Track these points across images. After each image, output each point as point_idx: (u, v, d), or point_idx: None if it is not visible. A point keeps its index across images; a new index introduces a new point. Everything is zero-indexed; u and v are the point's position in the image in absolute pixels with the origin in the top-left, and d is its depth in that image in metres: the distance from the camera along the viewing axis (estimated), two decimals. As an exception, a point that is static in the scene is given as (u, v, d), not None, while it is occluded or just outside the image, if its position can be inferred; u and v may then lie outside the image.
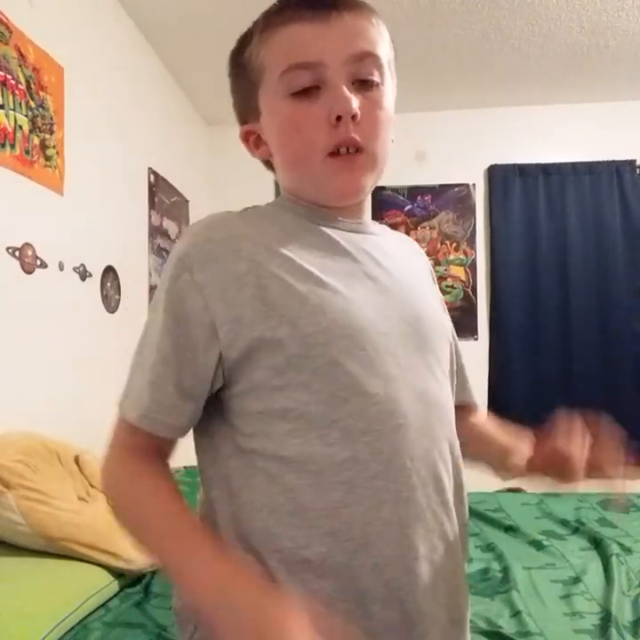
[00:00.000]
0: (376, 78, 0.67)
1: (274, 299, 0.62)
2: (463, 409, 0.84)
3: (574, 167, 3.41)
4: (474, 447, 0.83)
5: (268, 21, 0.68)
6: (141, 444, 0.66)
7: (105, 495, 0.70)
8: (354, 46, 0.66)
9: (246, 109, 0.73)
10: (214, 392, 0.66)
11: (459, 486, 0.70)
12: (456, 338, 0.86)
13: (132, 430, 0.65)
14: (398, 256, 0.75)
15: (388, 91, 0.70)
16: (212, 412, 0.67)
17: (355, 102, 0.64)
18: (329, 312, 0.63)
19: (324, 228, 0.70)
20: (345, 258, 0.68)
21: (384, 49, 0.69)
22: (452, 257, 3.54)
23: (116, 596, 1.47)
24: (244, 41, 0.71)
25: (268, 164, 0.75)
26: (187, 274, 0.63)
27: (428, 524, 0.64)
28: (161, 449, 0.67)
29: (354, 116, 0.64)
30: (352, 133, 0.65)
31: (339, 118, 0.64)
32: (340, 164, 0.66)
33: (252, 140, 0.73)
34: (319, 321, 0.62)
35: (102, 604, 1.41)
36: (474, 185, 3.54)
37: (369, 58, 0.67)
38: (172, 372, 0.63)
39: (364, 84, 0.66)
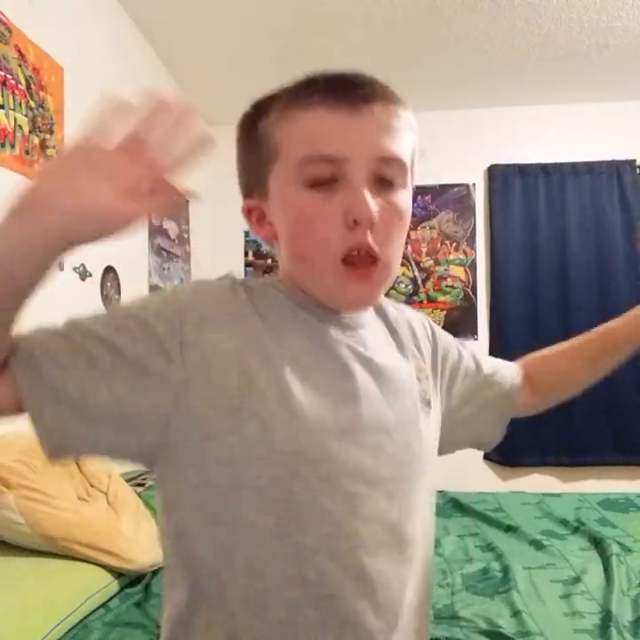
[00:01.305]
0: (398, 181, 0.63)
1: (254, 392, 0.58)
2: (525, 377, 0.86)
3: (574, 167, 3.41)
4: (576, 368, 0.86)
5: (291, 100, 0.63)
6: None
7: None
8: (381, 147, 0.61)
9: (252, 184, 0.68)
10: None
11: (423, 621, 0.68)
12: (474, 357, 0.84)
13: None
14: (389, 348, 0.72)
15: (409, 191, 0.66)
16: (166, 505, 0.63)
17: (374, 207, 0.60)
18: (302, 419, 0.59)
19: (314, 322, 0.66)
20: (330, 358, 0.64)
21: (410, 146, 0.65)
22: (452, 257, 3.54)
23: (115, 596, 1.47)
24: (259, 111, 0.65)
25: (270, 243, 0.71)
26: (177, 319, 0.58)
27: None
28: None
29: (371, 222, 0.60)
30: (368, 239, 0.60)
31: (356, 222, 0.60)
32: (354, 275, 0.62)
33: (256, 217, 0.69)
34: (291, 428, 0.59)
35: (102, 604, 1.41)
36: (474, 185, 3.54)
37: (394, 162, 0.62)
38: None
39: (384, 184, 0.62)
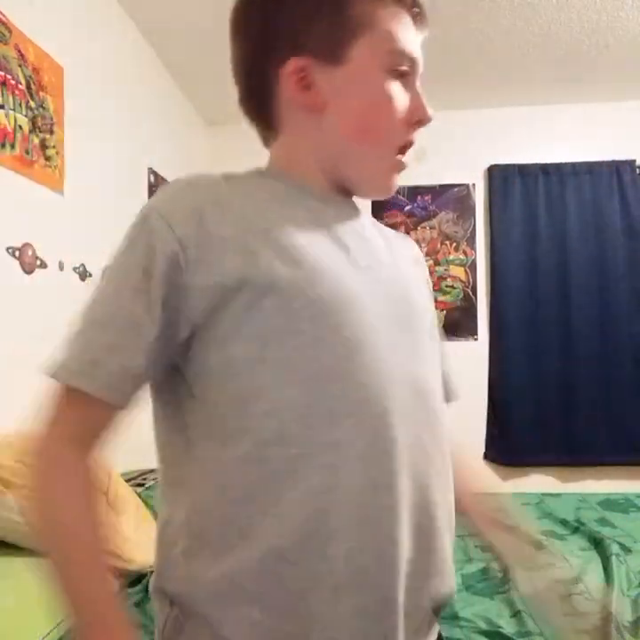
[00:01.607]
0: None
1: (261, 266, 0.59)
2: None
3: (574, 167, 3.41)
4: None
5: None
6: (81, 423, 0.61)
7: (29, 489, 0.61)
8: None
9: (313, 43, 0.65)
10: (172, 374, 0.63)
11: (446, 480, 0.68)
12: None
13: (74, 401, 0.60)
14: (385, 241, 0.75)
15: None
16: (171, 400, 0.64)
17: None
18: (318, 284, 0.60)
19: (314, 203, 0.68)
20: (333, 234, 0.67)
21: None
22: (451, 257, 3.54)
23: (116, 595, 1.47)
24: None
25: (306, 108, 0.67)
26: (167, 229, 0.59)
27: (406, 512, 0.61)
28: (98, 429, 0.62)
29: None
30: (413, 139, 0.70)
31: (419, 122, 0.68)
32: (399, 166, 0.70)
33: (299, 78, 0.66)
34: (308, 294, 0.59)
35: (102, 604, 1.41)
36: (474, 185, 3.53)
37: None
38: (127, 334, 0.59)
39: None
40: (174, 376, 0.63)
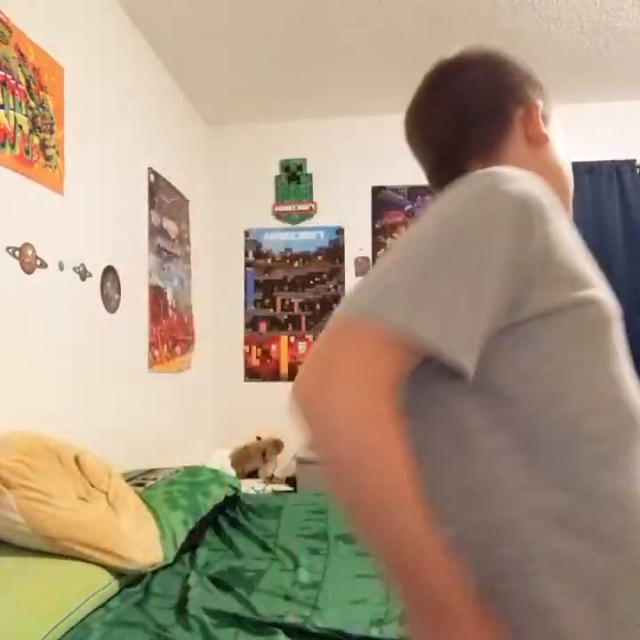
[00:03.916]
0: None
1: (591, 274, 0.67)
2: None
3: (574, 167, 3.39)
4: None
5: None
6: (395, 378, 0.57)
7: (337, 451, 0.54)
8: None
9: (537, 97, 0.90)
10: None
11: None
12: None
13: (399, 356, 0.56)
14: None
15: None
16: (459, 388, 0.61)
17: None
18: (608, 297, 0.68)
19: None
20: None
21: None
22: (452, 257, 3.53)
23: (116, 595, 1.47)
24: (536, 83, 0.94)
25: (532, 139, 0.85)
26: (557, 219, 0.66)
27: None
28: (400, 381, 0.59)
29: None
30: None
31: None
32: None
33: (537, 115, 0.86)
34: (610, 304, 0.67)
35: (102, 604, 1.41)
36: (474, 185, 3.53)
37: None
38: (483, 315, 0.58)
39: None
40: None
